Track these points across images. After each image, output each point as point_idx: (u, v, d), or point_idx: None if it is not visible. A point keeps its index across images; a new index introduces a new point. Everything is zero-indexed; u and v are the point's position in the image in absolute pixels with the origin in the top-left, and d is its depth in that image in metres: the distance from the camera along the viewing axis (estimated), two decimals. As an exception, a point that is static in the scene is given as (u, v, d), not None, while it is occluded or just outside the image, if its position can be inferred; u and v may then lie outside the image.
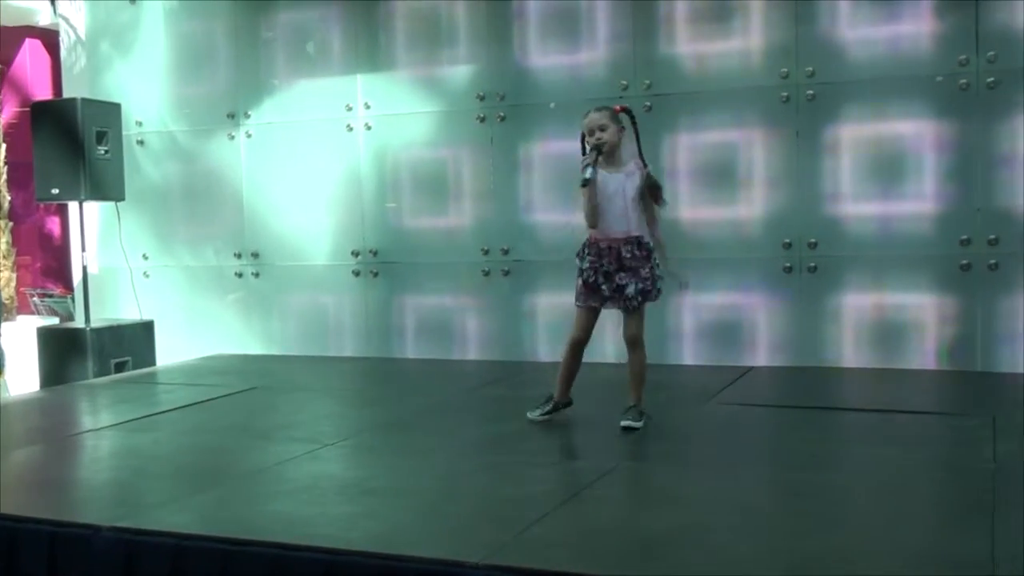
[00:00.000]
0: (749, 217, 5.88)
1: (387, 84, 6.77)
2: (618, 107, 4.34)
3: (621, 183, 4.24)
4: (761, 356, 5.88)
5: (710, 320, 5.99)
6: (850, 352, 5.70)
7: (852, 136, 5.66)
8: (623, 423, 4.25)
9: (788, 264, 5.80)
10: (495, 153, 6.44)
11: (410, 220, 6.75)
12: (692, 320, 6.02)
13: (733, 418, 4.57)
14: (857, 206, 5.66)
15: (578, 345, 4.39)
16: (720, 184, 5.92)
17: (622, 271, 4.22)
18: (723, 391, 5.16)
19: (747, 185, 5.87)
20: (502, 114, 6.43)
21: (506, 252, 6.44)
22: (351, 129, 6.86)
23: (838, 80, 5.66)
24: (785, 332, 5.84)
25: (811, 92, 5.71)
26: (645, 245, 4.26)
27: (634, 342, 4.31)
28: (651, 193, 4.27)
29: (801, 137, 5.75)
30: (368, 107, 6.82)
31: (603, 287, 4.25)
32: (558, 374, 4.49)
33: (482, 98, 6.47)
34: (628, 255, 4.22)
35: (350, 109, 6.86)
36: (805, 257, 5.77)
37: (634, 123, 4.35)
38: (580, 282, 4.31)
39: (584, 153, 4.27)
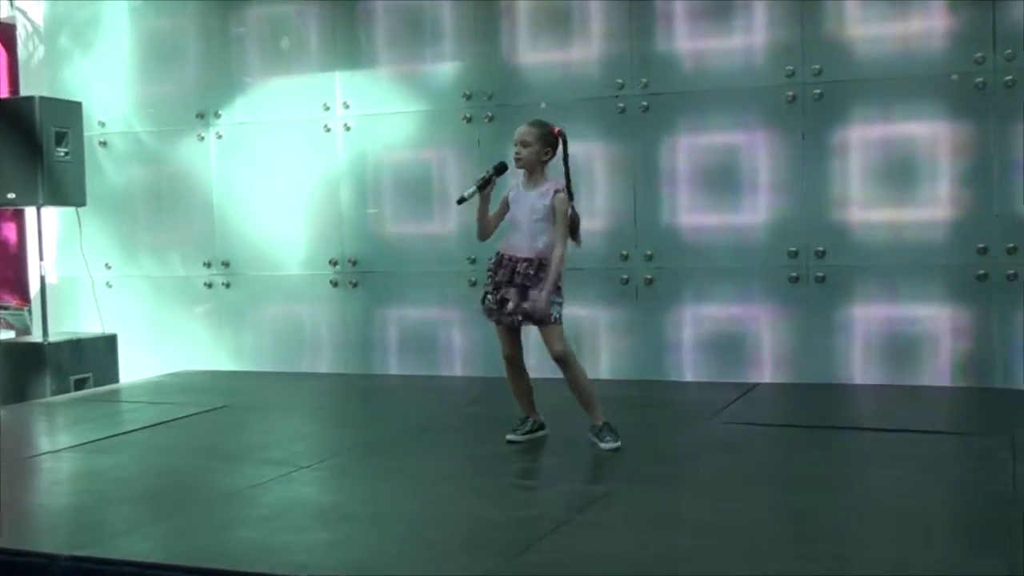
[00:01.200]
0: (752, 224, 5.91)
1: (367, 82, 6.79)
2: (556, 129, 4.39)
3: (531, 201, 4.32)
4: (766, 372, 5.91)
5: (711, 334, 6.01)
6: (860, 368, 5.73)
7: (861, 138, 5.70)
8: (603, 446, 4.29)
9: (794, 274, 5.83)
10: (482, 156, 6.46)
11: (392, 227, 6.76)
12: (692, 334, 6.04)
13: (736, 438, 4.58)
14: (867, 212, 5.70)
15: (509, 362, 4.47)
16: (721, 189, 5.95)
17: (511, 286, 4.30)
18: (725, 409, 5.17)
19: (750, 190, 5.91)
20: (490, 114, 6.45)
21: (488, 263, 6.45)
22: (329, 130, 6.87)
23: (846, 78, 5.71)
24: (791, 346, 5.87)
25: (818, 91, 5.75)
26: (545, 267, 4.29)
27: (560, 360, 4.32)
28: (569, 226, 4.31)
29: (807, 139, 5.79)
30: (347, 106, 6.84)
31: (489, 298, 4.35)
32: (512, 392, 4.55)
33: (469, 97, 6.50)
34: (521, 272, 4.28)
35: (328, 109, 6.88)
36: (812, 266, 5.80)
37: (565, 150, 4.39)
38: (482, 292, 4.43)
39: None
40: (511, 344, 4.44)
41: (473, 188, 4.33)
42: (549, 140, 4.34)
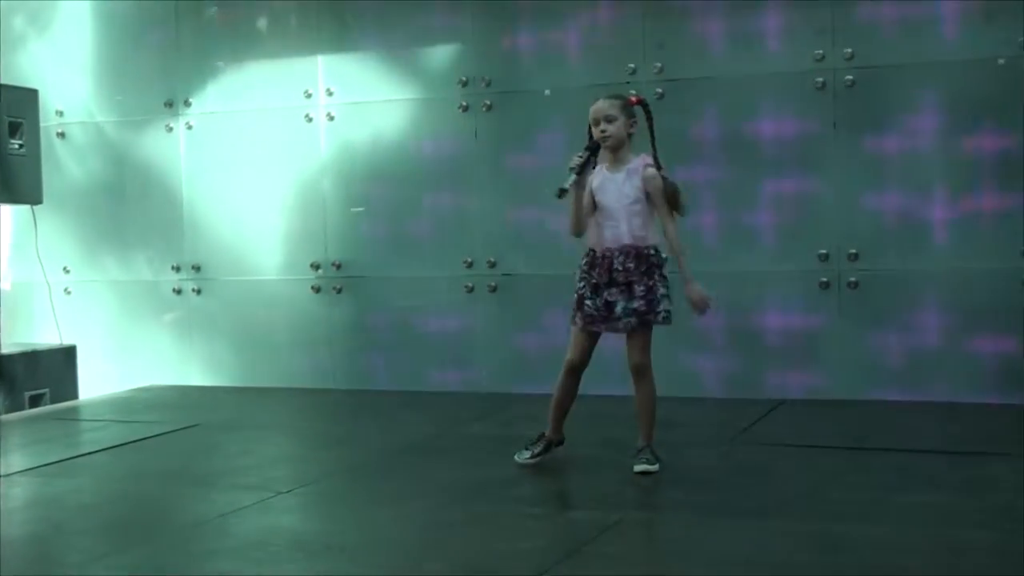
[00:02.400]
0: (778, 223, 5.92)
1: (353, 66, 6.80)
2: (633, 98, 4.40)
3: (618, 185, 4.30)
4: (794, 387, 5.91)
5: (733, 345, 6.01)
6: (899, 383, 5.73)
7: (899, 128, 5.70)
8: (637, 468, 4.28)
9: (825, 279, 5.84)
10: (480, 148, 6.47)
11: (380, 227, 6.77)
12: (711, 345, 6.04)
13: (760, 460, 4.58)
14: (907, 210, 5.70)
15: (573, 370, 4.42)
16: (743, 184, 5.96)
17: (613, 286, 4.27)
18: (749, 429, 5.17)
19: (775, 186, 5.91)
20: (488, 102, 6.46)
21: (493, 265, 6.47)
22: (311, 119, 6.88)
23: (882, 63, 5.72)
24: (822, 359, 5.87)
25: (850, 78, 5.76)
26: (648, 257, 4.30)
27: (638, 371, 4.34)
28: (668, 199, 4.32)
29: (839, 129, 5.80)
30: (331, 94, 6.85)
31: (588, 302, 4.31)
32: (551, 404, 4.52)
33: (465, 83, 6.51)
34: (620, 267, 4.26)
35: (309, 96, 6.89)
36: (845, 271, 5.81)
37: (649, 118, 4.41)
38: (574, 297, 4.37)
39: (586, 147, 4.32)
40: (586, 351, 4.38)
41: (572, 176, 4.19)
42: (631, 111, 4.32)
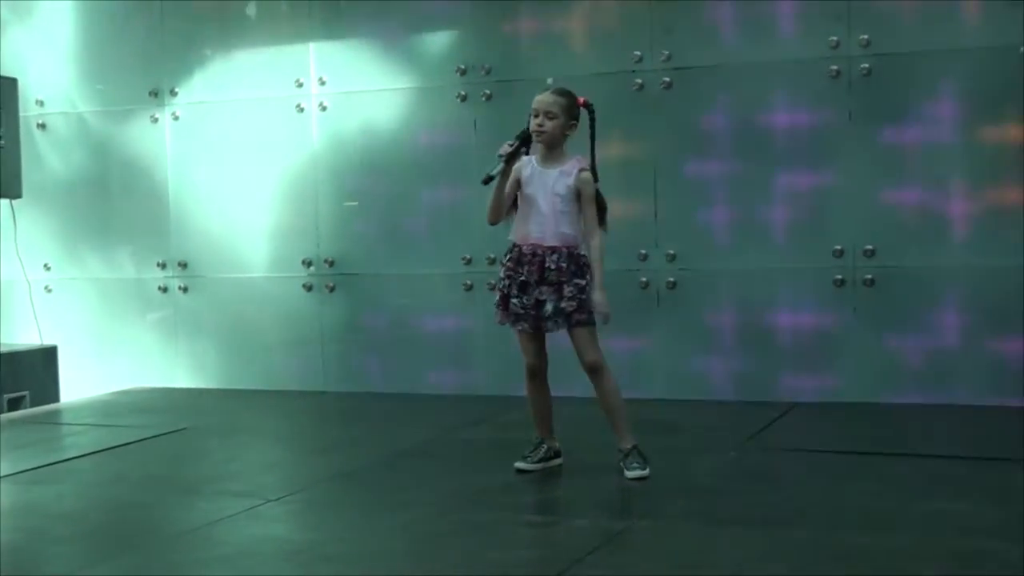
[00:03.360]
0: (791, 218, 5.92)
1: (346, 54, 6.80)
2: (581, 100, 4.41)
3: (551, 181, 4.33)
4: (806, 390, 5.91)
5: (743, 346, 6.02)
6: (917, 385, 5.73)
7: (918, 119, 5.70)
8: (629, 474, 4.31)
9: (840, 276, 5.84)
10: (480, 140, 6.47)
11: (375, 222, 6.77)
12: (721, 346, 6.05)
13: (772, 467, 4.59)
14: (926, 204, 5.70)
15: (532, 373, 4.47)
16: (754, 177, 5.96)
17: (544, 284, 4.30)
18: (759, 433, 5.18)
19: (788, 179, 5.91)
20: (488, 92, 6.46)
21: (493, 261, 6.45)
22: (302, 110, 6.88)
23: (900, 51, 5.71)
24: (837, 360, 5.87)
25: (866, 66, 5.75)
26: (579, 257, 4.34)
27: (593, 370, 4.36)
28: (597, 210, 4.35)
29: (855, 120, 5.80)
30: (323, 83, 6.85)
31: (515, 300, 4.34)
32: (530, 412, 4.56)
33: (463, 72, 6.51)
34: (553, 267, 4.29)
35: (301, 85, 6.89)
36: (861, 268, 5.81)
37: (592, 123, 4.43)
38: (497, 294, 4.42)
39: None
40: (538, 353, 4.44)
41: (500, 164, 4.28)
42: (574, 112, 4.36)
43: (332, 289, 6.87)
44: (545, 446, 4.55)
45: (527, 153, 4.39)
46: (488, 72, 6.46)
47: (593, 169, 4.37)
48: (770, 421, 5.41)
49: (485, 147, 6.46)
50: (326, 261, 6.86)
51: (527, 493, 4.29)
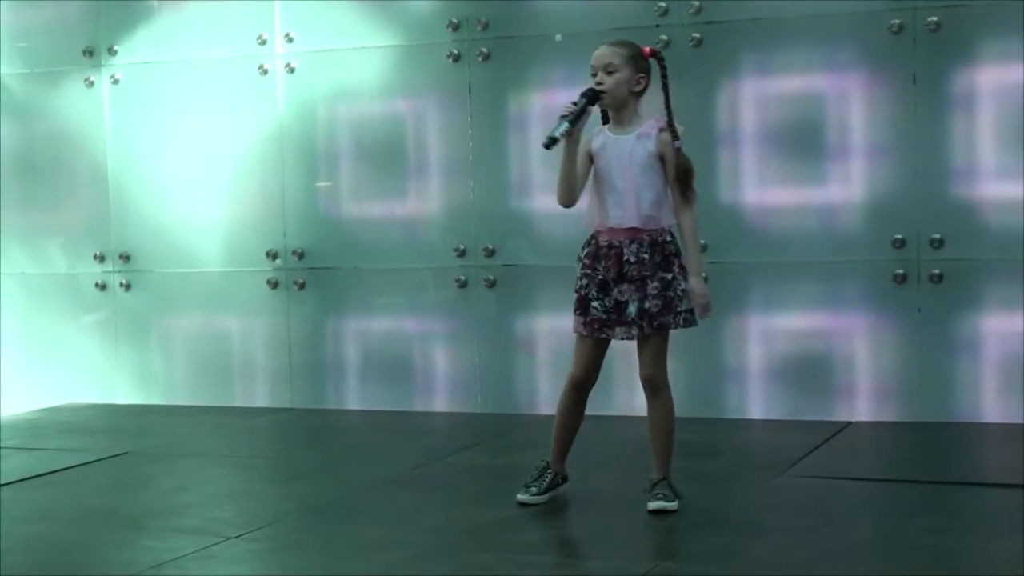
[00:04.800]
0: (843, 202, 5.93)
1: (318, 6, 6.81)
2: (647, 49, 4.42)
3: (626, 149, 4.33)
4: (861, 406, 5.93)
5: (787, 354, 6.03)
6: (992, 400, 5.74)
7: (995, 84, 5.71)
8: (651, 505, 4.32)
9: (901, 271, 5.85)
10: (475, 107, 6.48)
11: (352, 207, 6.79)
12: (760, 354, 6.07)
13: (819, 498, 4.60)
14: (1004, 187, 5.71)
15: (578, 387, 4.47)
16: (801, 154, 5.97)
17: (624, 282, 4.31)
18: (805, 458, 5.19)
19: (839, 155, 5.92)
20: (485, 50, 6.47)
21: (491, 254, 6.48)
22: (266, 72, 6.89)
23: (972, 2, 5.72)
24: (896, 371, 5.89)
25: (934, 19, 5.75)
26: (664, 245, 4.35)
27: (651, 386, 4.39)
28: (680, 177, 4.35)
29: (920, 85, 5.81)
30: (290, 40, 6.86)
31: (595, 304, 4.35)
32: (553, 431, 4.56)
33: (456, 27, 6.52)
34: (633, 259, 4.30)
35: (264, 43, 6.90)
36: (926, 261, 5.82)
37: (664, 75, 4.42)
38: (575, 297, 4.41)
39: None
40: (593, 365, 4.44)
41: (564, 124, 4.23)
42: (641, 64, 4.35)
43: (302, 286, 6.89)
44: (552, 472, 4.56)
45: (590, 117, 4.32)
46: (485, 27, 6.47)
47: (673, 129, 4.36)
48: (817, 444, 5.42)
49: (482, 116, 6.49)
50: (294, 253, 6.88)
51: (531, 530, 4.30)
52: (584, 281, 4.37)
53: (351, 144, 6.77)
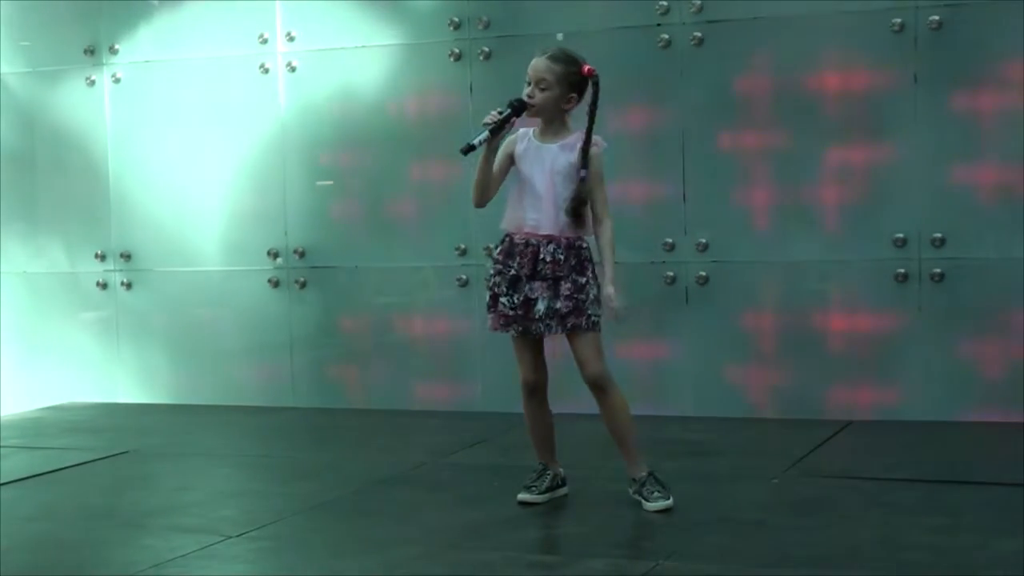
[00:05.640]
0: (841, 200, 5.93)
1: (319, 5, 6.80)
2: (586, 68, 4.40)
3: (550, 157, 4.36)
4: (862, 405, 5.93)
5: (787, 353, 6.04)
6: (996, 400, 5.74)
7: (997, 81, 5.70)
8: (650, 506, 4.35)
9: (902, 270, 5.84)
10: (477, 106, 6.48)
11: (353, 205, 6.79)
12: (761, 352, 6.07)
13: (822, 497, 4.60)
14: (1006, 183, 5.70)
15: (531, 389, 4.52)
16: (800, 152, 5.96)
17: (536, 279, 4.33)
18: (806, 457, 5.19)
19: (840, 154, 5.92)
20: (486, 49, 6.47)
21: (492, 252, 6.47)
22: (267, 71, 6.89)
23: (973, 1, 5.71)
24: (897, 370, 5.89)
25: (935, 18, 5.75)
26: (580, 249, 4.38)
27: (596, 383, 4.40)
28: (572, 208, 4.33)
29: (921, 83, 5.80)
30: (292, 39, 6.86)
31: (503, 299, 4.37)
32: (528, 435, 4.62)
33: (458, 26, 6.52)
34: (549, 259, 4.33)
35: (265, 42, 6.90)
36: (928, 260, 5.82)
37: (596, 96, 4.40)
38: (487, 294, 4.45)
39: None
40: (535, 364, 4.49)
41: (485, 132, 4.31)
42: (575, 82, 4.37)
43: (303, 285, 6.89)
44: (551, 473, 4.58)
45: (513, 126, 4.38)
46: (487, 26, 6.47)
47: (585, 152, 4.34)
48: (819, 443, 5.42)
49: (483, 115, 6.44)
50: (296, 252, 6.88)
51: (532, 528, 4.31)
52: (497, 278, 4.41)
53: (352, 143, 6.77)
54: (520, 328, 4.39)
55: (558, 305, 4.32)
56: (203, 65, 7.02)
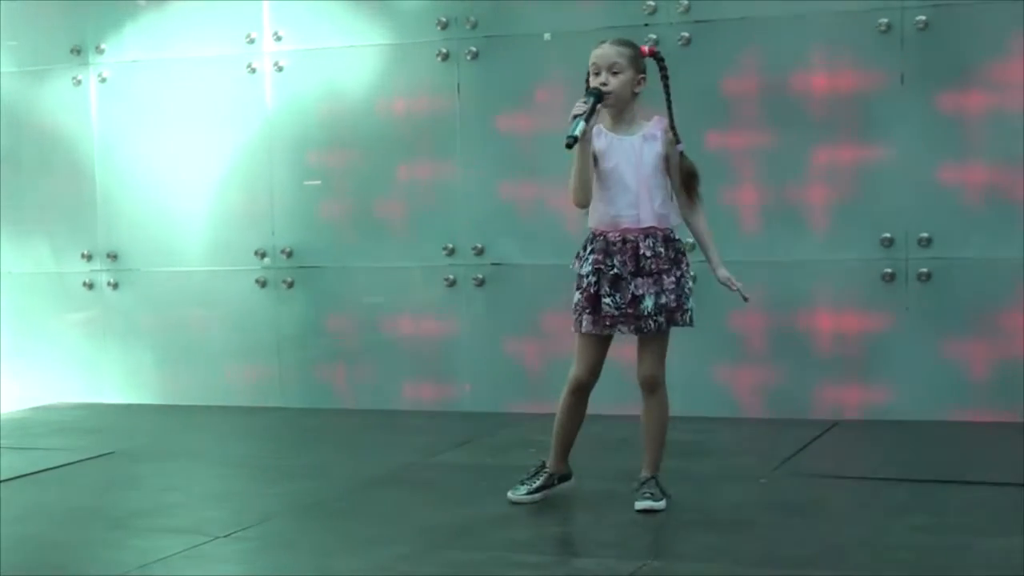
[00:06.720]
0: (829, 201, 5.94)
1: (306, 5, 6.80)
2: (646, 48, 4.42)
3: (634, 150, 4.33)
4: (850, 405, 5.94)
5: (774, 353, 6.05)
6: (981, 399, 5.76)
7: (984, 82, 5.71)
8: (638, 505, 4.34)
9: (890, 270, 5.86)
10: (465, 107, 6.48)
11: (341, 205, 6.79)
12: (747, 352, 6.08)
13: (809, 496, 4.61)
14: (993, 183, 5.72)
15: (581, 389, 4.46)
16: (788, 152, 5.97)
17: (640, 276, 4.30)
18: (794, 457, 5.20)
19: (827, 154, 5.93)
20: (474, 49, 6.47)
21: (480, 252, 6.48)
22: (254, 70, 6.89)
23: (960, 1, 5.72)
24: (885, 370, 5.90)
25: (922, 18, 5.76)
26: (675, 242, 4.38)
27: (650, 385, 4.40)
28: (684, 183, 4.39)
29: (908, 84, 5.82)
30: (279, 38, 6.86)
31: (607, 300, 4.32)
32: (553, 431, 4.55)
33: (445, 25, 6.52)
34: (650, 253, 4.30)
35: (252, 41, 6.90)
36: (915, 260, 5.83)
37: (664, 74, 4.43)
38: (579, 295, 4.38)
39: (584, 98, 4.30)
40: (597, 364, 4.43)
41: (580, 123, 4.17)
42: (640, 64, 4.35)
43: (290, 285, 6.88)
44: (547, 472, 4.57)
45: (599, 109, 4.28)
46: (474, 26, 6.47)
47: (674, 130, 4.37)
48: (806, 442, 5.43)
49: (471, 115, 6.49)
50: (283, 252, 6.87)
51: (522, 528, 4.30)
52: (593, 278, 4.33)
53: (339, 143, 6.76)
54: (630, 327, 4.33)
55: (663, 300, 4.30)
56: (190, 65, 7.02)
